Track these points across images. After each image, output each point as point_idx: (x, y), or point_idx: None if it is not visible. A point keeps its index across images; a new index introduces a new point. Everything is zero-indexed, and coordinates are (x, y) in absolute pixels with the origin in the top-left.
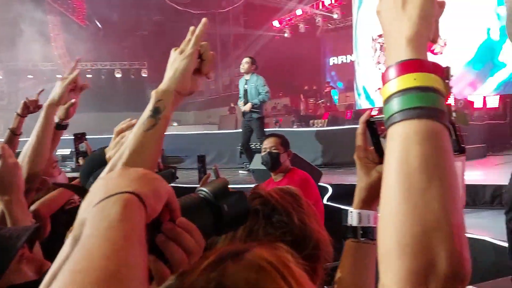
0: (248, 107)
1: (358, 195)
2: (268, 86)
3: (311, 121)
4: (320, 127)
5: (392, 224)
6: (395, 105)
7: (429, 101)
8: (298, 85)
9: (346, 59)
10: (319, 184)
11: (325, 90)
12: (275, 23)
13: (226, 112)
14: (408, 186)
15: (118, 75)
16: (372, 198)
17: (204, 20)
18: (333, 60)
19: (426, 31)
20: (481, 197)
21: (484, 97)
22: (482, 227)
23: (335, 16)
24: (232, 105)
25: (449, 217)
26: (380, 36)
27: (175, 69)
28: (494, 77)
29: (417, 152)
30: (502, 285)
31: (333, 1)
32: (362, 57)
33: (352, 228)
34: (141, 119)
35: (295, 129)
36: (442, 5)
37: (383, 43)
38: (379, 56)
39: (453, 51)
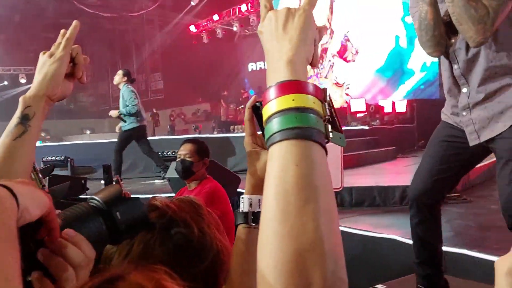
0: (114, 114)
1: (248, 181)
2: (137, 98)
3: (231, 127)
4: (241, 132)
5: (270, 245)
6: (275, 125)
7: (307, 122)
8: (218, 90)
9: (264, 65)
10: (238, 190)
11: (243, 96)
12: (192, 28)
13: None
14: (285, 207)
15: (23, 80)
16: (262, 183)
17: (75, 22)
18: (251, 66)
19: (306, 53)
20: (391, 198)
21: (393, 102)
22: (392, 226)
23: (251, 22)
24: (155, 110)
25: (324, 238)
26: None
27: (45, 74)
28: (405, 84)
29: (294, 172)
30: (408, 282)
31: (249, 8)
32: None
33: (244, 213)
34: (8, 127)
35: (215, 135)
36: (321, 30)
37: None
38: None
39: (365, 58)
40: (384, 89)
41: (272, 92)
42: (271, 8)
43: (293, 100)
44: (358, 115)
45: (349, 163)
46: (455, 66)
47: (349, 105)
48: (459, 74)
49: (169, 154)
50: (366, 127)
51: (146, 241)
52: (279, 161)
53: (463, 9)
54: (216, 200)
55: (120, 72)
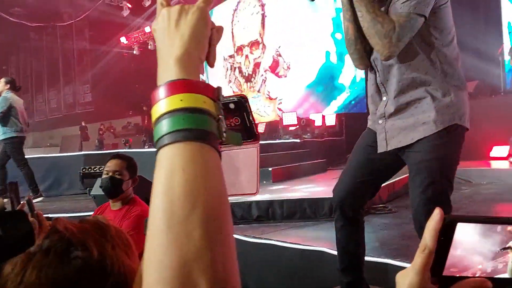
0: None
1: None
2: (6, 106)
3: None
4: None
5: (155, 256)
6: (164, 127)
7: (196, 123)
8: (150, 103)
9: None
10: None
11: None
12: (123, 40)
13: (71, 133)
14: (171, 214)
15: None
16: None
17: None
18: None
19: (197, 51)
20: (321, 210)
21: (323, 116)
22: (321, 238)
23: None
24: (83, 123)
25: (212, 245)
26: (230, 56)
27: None
28: (337, 99)
29: (181, 177)
30: None
31: None
32: (213, 76)
33: None
34: None
35: (146, 149)
36: (219, 30)
37: (233, 63)
38: (230, 75)
39: (296, 73)
40: (316, 104)
41: (161, 92)
42: (168, 5)
43: (181, 100)
44: (290, 128)
45: (281, 176)
46: (377, 75)
47: (281, 119)
48: (379, 83)
49: (96, 170)
50: (298, 140)
51: (41, 266)
52: (166, 166)
53: (370, 24)
54: (144, 226)
55: (2, 80)
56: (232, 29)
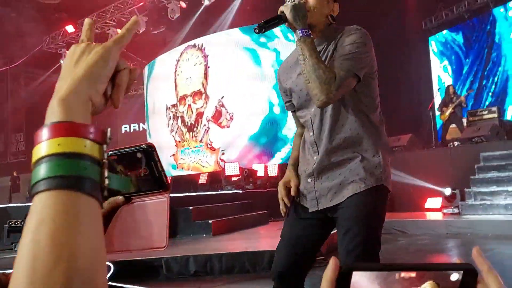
0: None
1: None
2: None
3: None
4: None
5: None
6: (40, 172)
7: (72, 169)
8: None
9: (138, 127)
10: None
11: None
12: None
13: (1, 183)
14: (33, 268)
15: None
16: None
17: None
18: (125, 128)
19: (89, 92)
20: (260, 263)
21: (266, 166)
22: None
23: None
24: (15, 174)
25: None
26: (173, 105)
27: None
28: (281, 151)
29: (49, 228)
30: None
31: None
32: (154, 125)
33: None
34: None
35: None
36: (133, 72)
37: (176, 112)
38: (172, 124)
39: (239, 124)
40: (260, 155)
41: (43, 134)
42: (88, 41)
43: (59, 144)
44: (233, 179)
45: (222, 229)
46: (311, 133)
47: (223, 169)
48: (312, 141)
49: (18, 224)
50: (240, 191)
51: None
52: (35, 215)
53: (312, 69)
54: None
55: None
56: (175, 79)
